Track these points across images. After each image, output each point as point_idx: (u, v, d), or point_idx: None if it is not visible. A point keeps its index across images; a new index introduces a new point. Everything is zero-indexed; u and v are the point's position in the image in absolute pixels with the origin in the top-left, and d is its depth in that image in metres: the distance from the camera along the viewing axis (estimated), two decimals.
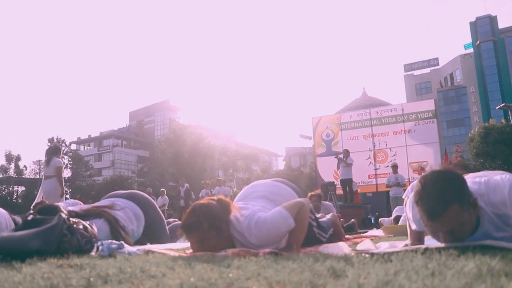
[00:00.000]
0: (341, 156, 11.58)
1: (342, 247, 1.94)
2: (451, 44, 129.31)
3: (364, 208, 12.69)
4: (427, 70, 52.80)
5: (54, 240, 1.87)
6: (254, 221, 2.09)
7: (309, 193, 6.28)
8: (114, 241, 2.17)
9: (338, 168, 11.77)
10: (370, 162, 15.56)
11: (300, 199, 2.26)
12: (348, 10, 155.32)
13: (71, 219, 2.07)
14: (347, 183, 11.61)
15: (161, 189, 14.85)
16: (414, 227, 1.97)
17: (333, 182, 11.84)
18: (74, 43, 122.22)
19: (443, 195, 1.57)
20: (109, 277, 1.16)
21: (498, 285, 0.81)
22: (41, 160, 42.48)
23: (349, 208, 10.96)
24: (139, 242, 2.96)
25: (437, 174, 1.65)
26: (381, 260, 1.42)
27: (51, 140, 42.51)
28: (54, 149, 7.30)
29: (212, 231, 2.05)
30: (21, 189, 42.86)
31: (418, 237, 2.06)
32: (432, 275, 1.01)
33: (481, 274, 0.97)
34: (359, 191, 14.97)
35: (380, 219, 6.59)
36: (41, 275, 1.20)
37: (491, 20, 49.41)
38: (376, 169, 15.39)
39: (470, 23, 50.60)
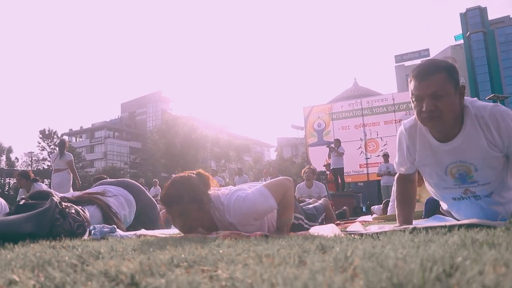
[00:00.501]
0: (333, 145, 11.65)
1: (332, 229, 1.97)
2: (442, 35, 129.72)
3: (356, 197, 12.79)
4: (418, 61, 52.93)
5: (46, 223, 1.88)
6: (234, 199, 2.06)
7: (304, 168, 6.25)
8: (106, 225, 2.18)
9: (329, 157, 11.85)
10: (361, 152, 15.66)
11: (284, 180, 2.18)
12: (340, 2, 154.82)
13: (63, 203, 2.08)
14: (338, 172, 11.69)
15: (154, 180, 14.85)
16: (401, 170, 2.13)
17: (325, 171, 11.90)
18: (67, 35, 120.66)
19: (435, 63, 1.80)
20: (101, 254, 1.18)
21: (480, 252, 0.83)
22: (33, 152, 42.13)
23: (341, 197, 11.04)
24: (133, 227, 2.96)
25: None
26: (370, 238, 1.46)
27: (42, 132, 42.15)
28: (64, 143, 8.11)
29: (193, 203, 2.03)
30: (12, 181, 42.51)
31: (406, 218, 2.10)
32: (417, 247, 1.04)
33: (464, 244, 1.00)
34: (350, 180, 15.10)
35: (371, 207, 6.66)
36: (33, 254, 1.21)
37: (481, 11, 49.66)
38: (367, 158, 15.49)
39: (461, 14, 50.82)
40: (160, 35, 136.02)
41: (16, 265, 0.99)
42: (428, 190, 2.28)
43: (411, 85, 1.81)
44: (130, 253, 1.22)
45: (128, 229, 2.85)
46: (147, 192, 3.55)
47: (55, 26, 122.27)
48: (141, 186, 3.43)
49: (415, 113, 1.84)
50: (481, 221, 1.63)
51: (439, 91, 1.72)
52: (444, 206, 2.30)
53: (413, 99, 1.81)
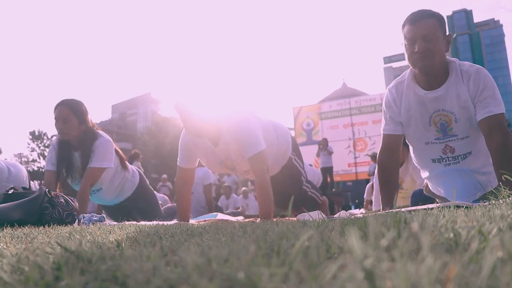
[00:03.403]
0: (321, 145, 11.76)
1: (319, 214, 2.04)
2: None
3: (345, 196, 12.92)
4: (406, 62, 53.04)
5: (35, 211, 1.92)
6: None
7: None
8: (95, 214, 2.22)
9: (318, 156, 11.95)
10: (350, 151, 15.82)
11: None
12: (329, 4, 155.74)
13: (52, 192, 2.11)
14: (327, 171, 11.80)
15: None
16: (387, 129, 2.22)
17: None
18: (57, 36, 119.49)
19: (427, 10, 2.00)
20: (91, 230, 1.23)
21: (454, 216, 0.90)
22: (23, 153, 41.60)
23: (330, 195, 11.13)
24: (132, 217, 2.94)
25: None
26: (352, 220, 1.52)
27: (32, 133, 41.73)
28: None
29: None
30: None
31: (389, 201, 2.14)
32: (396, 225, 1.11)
33: (442, 214, 1.07)
34: (339, 179, 15.24)
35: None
36: (21, 232, 1.25)
37: (467, 14, 50.45)
38: (355, 157, 15.66)
39: (447, 16, 51.52)
40: (150, 37, 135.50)
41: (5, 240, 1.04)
42: (412, 158, 2.34)
43: (405, 30, 2.00)
44: (117, 230, 1.27)
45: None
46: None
47: (46, 27, 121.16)
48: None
49: (406, 56, 2.02)
50: (461, 203, 1.72)
51: (430, 35, 1.91)
52: (425, 175, 2.34)
53: (406, 43, 1.99)
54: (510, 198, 1.38)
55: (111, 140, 2.89)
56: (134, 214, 3.02)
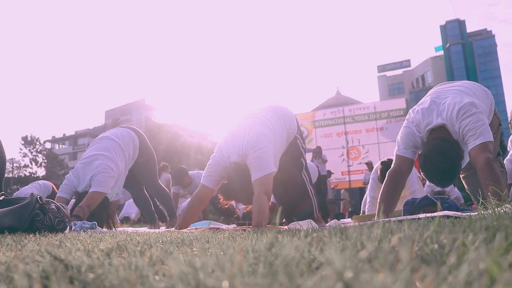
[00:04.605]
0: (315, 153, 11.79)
1: (311, 223, 2.06)
2: (423, 47, 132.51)
3: (338, 204, 12.94)
4: (399, 71, 53.97)
5: (26, 217, 1.91)
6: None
7: None
8: (86, 221, 2.22)
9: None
10: (343, 159, 15.85)
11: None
12: (323, 12, 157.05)
13: (43, 199, 2.11)
14: (322, 179, 11.81)
15: None
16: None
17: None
18: (50, 41, 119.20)
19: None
20: (81, 238, 1.23)
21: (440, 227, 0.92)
22: (15, 159, 41.24)
23: (327, 203, 11.14)
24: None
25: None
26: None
27: (25, 138, 41.46)
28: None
29: None
30: None
31: (386, 215, 2.18)
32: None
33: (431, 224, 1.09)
34: (332, 187, 15.25)
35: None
36: (11, 238, 1.25)
37: (460, 24, 51.00)
38: (349, 166, 15.68)
39: (441, 26, 52.09)
40: (144, 43, 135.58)
41: None
42: None
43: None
44: (107, 237, 1.27)
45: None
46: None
47: (39, 32, 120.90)
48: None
49: None
50: (452, 213, 1.75)
51: None
52: None
53: None
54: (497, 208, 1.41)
55: None
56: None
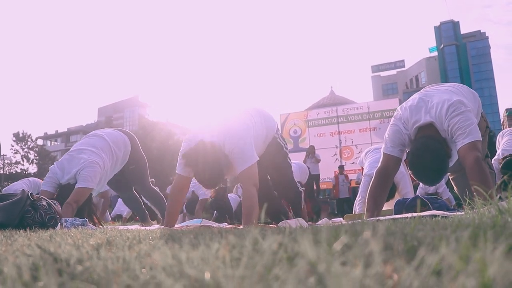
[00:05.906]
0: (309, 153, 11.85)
1: (301, 221, 2.08)
2: (417, 47, 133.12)
3: (331, 203, 13.02)
4: (393, 72, 54.16)
5: (16, 214, 1.92)
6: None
7: None
8: (77, 218, 2.23)
9: (305, 163, 12.01)
10: (336, 159, 15.91)
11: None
12: (317, 12, 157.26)
13: (34, 195, 2.12)
14: (314, 178, 11.86)
15: None
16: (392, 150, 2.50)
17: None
18: (42, 37, 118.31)
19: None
20: (72, 234, 1.24)
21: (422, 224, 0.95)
22: (6, 155, 40.90)
23: (320, 203, 11.21)
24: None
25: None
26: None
27: (16, 135, 41.11)
28: None
29: None
30: None
31: (373, 214, 2.22)
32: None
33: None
34: (325, 187, 15.33)
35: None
36: (1, 234, 1.26)
37: (454, 25, 51.32)
38: (342, 165, 15.75)
39: (435, 27, 52.38)
40: (138, 40, 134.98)
41: None
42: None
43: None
44: (97, 233, 1.29)
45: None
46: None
47: (31, 28, 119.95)
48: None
49: None
50: (439, 212, 1.78)
51: None
52: None
53: None
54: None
55: None
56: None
